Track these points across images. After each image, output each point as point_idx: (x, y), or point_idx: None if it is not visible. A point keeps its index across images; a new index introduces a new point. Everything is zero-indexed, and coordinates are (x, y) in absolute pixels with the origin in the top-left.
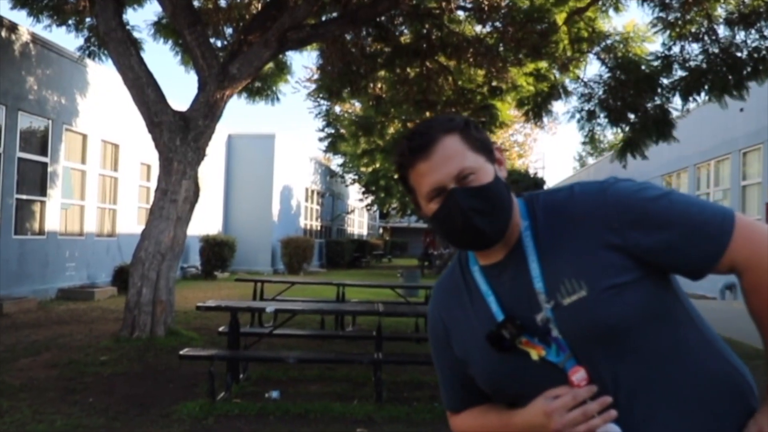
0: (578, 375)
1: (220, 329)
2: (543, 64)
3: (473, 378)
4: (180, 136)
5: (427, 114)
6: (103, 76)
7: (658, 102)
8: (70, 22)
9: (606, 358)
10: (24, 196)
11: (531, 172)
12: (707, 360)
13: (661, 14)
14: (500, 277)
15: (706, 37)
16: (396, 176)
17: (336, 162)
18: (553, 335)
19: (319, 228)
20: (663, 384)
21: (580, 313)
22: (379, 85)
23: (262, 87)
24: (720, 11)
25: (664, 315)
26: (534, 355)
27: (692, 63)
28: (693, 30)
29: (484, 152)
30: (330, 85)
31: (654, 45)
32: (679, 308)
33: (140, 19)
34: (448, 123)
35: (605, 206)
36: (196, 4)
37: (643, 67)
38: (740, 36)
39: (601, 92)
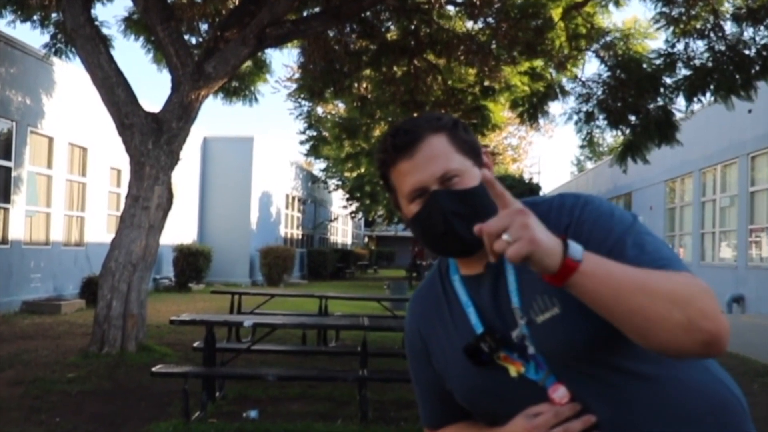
0: (559, 392)
1: (195, 345)
2: (538, 63)
3: (452, 393)
4: (152, 139)
5: (415, 116)
6: (71, 76)
7: (660, 103)
8: (35, 17)
9: (586, 376)
10: None
11: (526, 177)
12: (693, 376)
13: (664, 9)
14: (480, 289)
15: (712, 34)
16: (378, 175)
17: (318, 167)
18: (530, 352)
19: (300, 237)
20: (648, 402)
21: (555, 331)
22: (364, 85)
23: (240, 87)
24: (727, 6)
25: None
26: (513, 371)
27: (697, 61)
28: (698, 26)
29: (471, 155)
30: (312, 84)
31: (656, 42)
32: None
33: (110, 15)
34: (435, 122)
35: (575, 224)
36: None
37: (644, 66)
38: (748, 32)
39: (600, 92)
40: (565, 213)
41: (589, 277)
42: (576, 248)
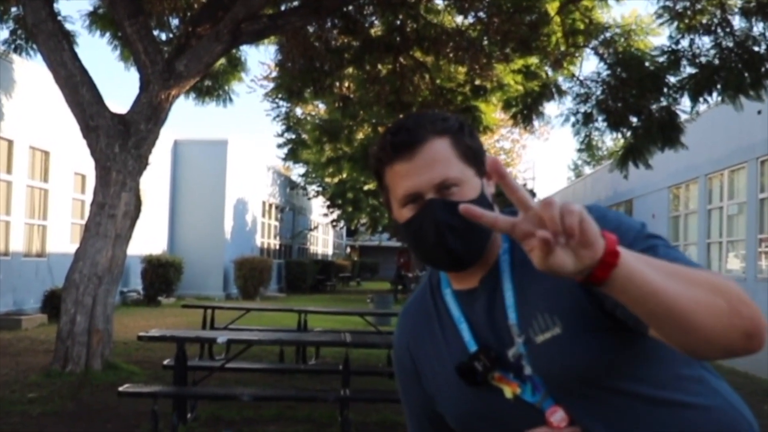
0: (557, 415)
1: (165, 362)
2: (533, 60)
3: (442, 415)
4: (119, 142)
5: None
6: (32, 74)
7: (664, 103)
8: None
9: (587, 399)
10: None
11: (519, 183)
12: (702, 399)
13: (667, 3)
14: (474, 304)
15: (719, 29)
16: (372, 172)
17: (297, 172)
18: (527, 373)
19: (277, 247)
20: (653, 426)
21: (555, 352)
22: (346, 84)
23: (213, 86)
24: None
25: (649, 353)
26: (508, 392)
27: (703, 59)
28: (704, 21)
29: (474, 163)
30: (290, 84)
31: (660, 38)
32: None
33: (73, 9)
34: (440, 123)
35: None
36: None
37: (647, 64)
38: (758, 28)
39: (599, 92)
40: None
41: (632, 263)
42: (608, 234)
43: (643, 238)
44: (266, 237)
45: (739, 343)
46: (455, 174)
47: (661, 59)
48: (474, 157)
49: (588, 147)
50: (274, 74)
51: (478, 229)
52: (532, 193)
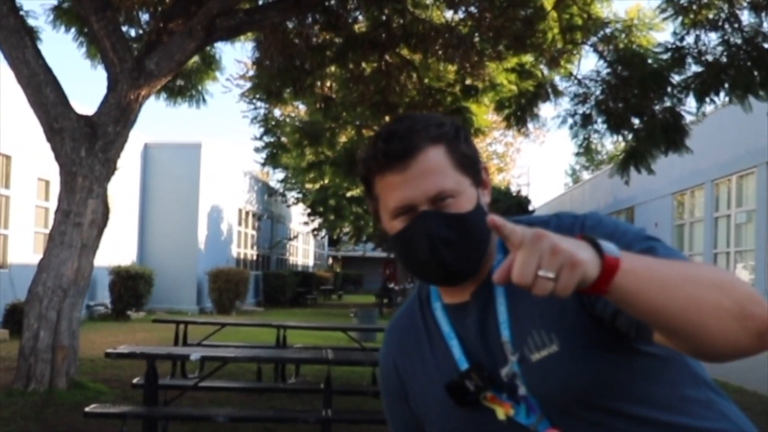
0: None
1: (135, 381)
2: (528, 58)
3: None
4: (85, 146)
5: (387, 119)
6: None
7: (667, 104)
8: None
9: (585, 422)
10: None
11: (513, 189)
12: (708, 423)
13: None
14: (465, 319)
15: (726, 25)
16: (360, 178)
17: (276, 177)
18: (521, 393)
19: (255, 257)
20: None
21: (552, 371)
22: (328, 84)
23: (186, 86)
24: None
25: (651, 372)
26: (500, 413)
27: (709, 56)
28: (711, 16)
29: (470, 172)
30: (268, 83)
31: (663, 34)
32: (675, 364)
33: (36, 4)
34: (435, 129)
35: None
36: None
37: (649, 62)
38: None
39: (598, 92)
40: (564, 233)
41: (632, 274)
42: (607, 244)
43: (641, 240)
44: (243, 247)
45: (751, 344)
46: (451, 185)
47: (664, 57)
48: (470, 164)
49: (586, 151)
50: (251, 73)
51: (474, 243)
52: (527, 200)
